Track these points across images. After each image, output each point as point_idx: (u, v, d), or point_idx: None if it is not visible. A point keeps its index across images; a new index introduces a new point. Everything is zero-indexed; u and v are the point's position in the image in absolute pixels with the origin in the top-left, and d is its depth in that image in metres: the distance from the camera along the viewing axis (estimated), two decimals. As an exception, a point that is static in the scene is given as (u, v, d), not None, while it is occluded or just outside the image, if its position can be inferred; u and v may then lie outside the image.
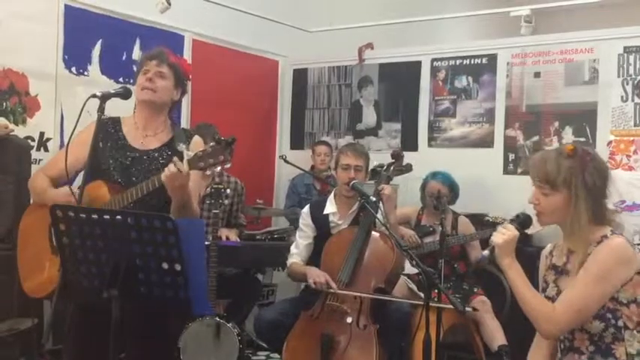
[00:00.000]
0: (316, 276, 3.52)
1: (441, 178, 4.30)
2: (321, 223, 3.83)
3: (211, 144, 2.29)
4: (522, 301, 2.11)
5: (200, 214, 4.05)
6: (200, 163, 2.29)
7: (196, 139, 2.65)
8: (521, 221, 2.23)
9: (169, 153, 2.54)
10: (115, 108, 2.56)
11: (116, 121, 2.64)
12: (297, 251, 3.82)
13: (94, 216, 1.98)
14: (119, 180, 2.53)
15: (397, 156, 4.03)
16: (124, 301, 1.96)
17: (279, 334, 3.52)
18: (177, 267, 1.95)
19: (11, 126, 3.83)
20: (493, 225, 3.99)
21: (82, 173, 2.38)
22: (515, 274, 2.13)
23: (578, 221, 2.10)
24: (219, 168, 2.29)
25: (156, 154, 2.58)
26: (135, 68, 4.45)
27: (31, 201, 2.76)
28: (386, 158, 4.09)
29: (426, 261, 3.72)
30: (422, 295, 3.43)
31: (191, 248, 1.95)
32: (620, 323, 2.05)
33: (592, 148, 2.20)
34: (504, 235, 2.16)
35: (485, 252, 2.20)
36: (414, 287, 3.99)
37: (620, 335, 2.06)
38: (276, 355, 3.95)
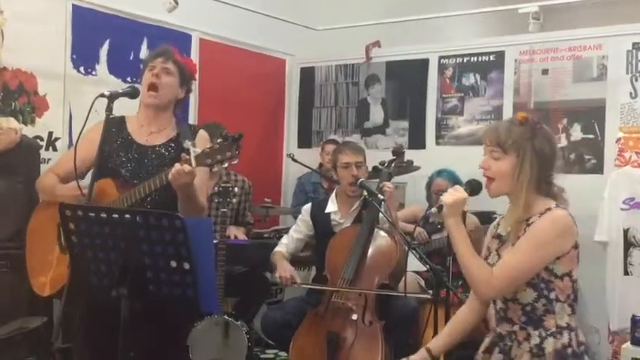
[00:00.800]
0: (282, 270, 3.60)
1: (446, 176, 4.30)
2: (322, 222, 3.85)
3: (218, 140, 2.29)
4: (463, 262, 2.16)
5: (208, 213, 4.07)
6: (207, 160, 2.30)
7: (202, 134, 2.66)
8: (472, 186, 2.29)
9: (175, 148, 2.56)
10: (123, 107, 2.57)
11: (121, 120, 2.66)
12: (285, 242, 3.91)
13: (103, 215, 1.99)
14: (127, 176, 2.54)
15: (398, 153, 4.02)
16: (133, 299, 1.97)
17: (286, 333, 3.53)
18: (186, 265, 1.95)
19: (20, 125, 3.85)
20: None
21: (91, 171, 2.40)
22: (459, 234, 2.18)
23: (522, 185, 2.12)
24: (226, 164, 2.30)
25: (162, 150, 2.59)
26: (142, 68, 4.49)
27: (40, 200, 2.78)
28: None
29: (434, 259, 3.72)
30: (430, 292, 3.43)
31: (199, 246, 1.96)
32: (552, 295, 2.10)
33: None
34: (454, 196, 2.20)
35: (433, 209, 2.26)
36: (424, 284, 3.99)
37: (551, 307, 2.11)
38: (285, 354, 3.96)
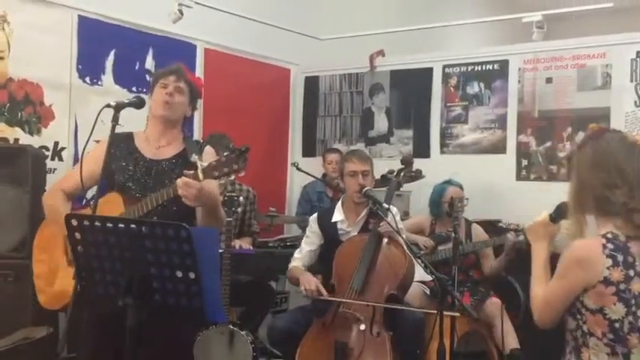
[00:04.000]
0: (307, 283, 3.51)
1: (457, 184, 4.29)
2: (329, 230, 3.83)
3: (225, 153, 2.31)
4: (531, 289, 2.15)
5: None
6: (214, 172, 2.32)
7: (208, 150, 2.68)
8: (559, 208, 2.19)
9: (182, 163, 2.57)
10: (129, 118, 2.58)
11: (128, 136, 2.69)
12: (300, 256, 3.84)
13: (109, 225, 1.99)
14: (134, 190, 2.56)
15: (407, 162, 4.01)
16: (139, 309, 1.97)
17: (292, 343, 3.51)
18: (192, 275, 1.95)
19: (26, 136, 3.88)
20: (506, 232, 3.97)
21: (97, 187, 2.42)
22: (535, 259, 2.15)
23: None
24: (233, 176, 2.32)
25: (169, 164, 2.61)
26: (148, 78, 4.50)
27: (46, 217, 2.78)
28: (398, 165, 4.09)
29: (440, 269, 3.70)
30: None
31: (205, 256, 1.96)
32: (585, 328, 2.04)
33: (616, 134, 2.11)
34: (535, 220, 2.19)
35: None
36: (429, 293, 3.98)
37: (585, 340, 2.04)
38: (290, 363, 3.95)
